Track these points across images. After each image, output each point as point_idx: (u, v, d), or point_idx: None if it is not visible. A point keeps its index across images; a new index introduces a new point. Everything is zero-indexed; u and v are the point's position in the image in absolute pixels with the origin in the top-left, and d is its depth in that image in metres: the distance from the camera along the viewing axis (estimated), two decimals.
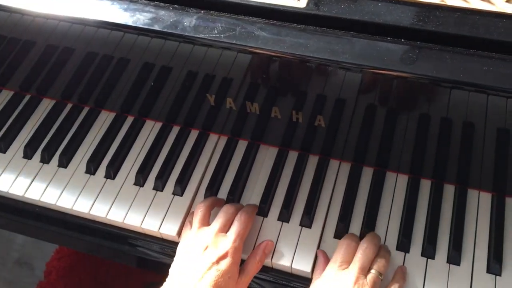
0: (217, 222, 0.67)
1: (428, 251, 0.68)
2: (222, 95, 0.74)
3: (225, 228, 0.66)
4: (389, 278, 0.65)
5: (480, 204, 0.72)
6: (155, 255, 0.76)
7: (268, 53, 0.63)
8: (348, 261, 0.63)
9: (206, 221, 0.68)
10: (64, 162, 0.80)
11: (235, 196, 0.75)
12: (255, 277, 0.70)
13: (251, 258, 0.68)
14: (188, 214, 0.74)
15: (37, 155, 0.82)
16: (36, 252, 1.54)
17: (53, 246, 1.50)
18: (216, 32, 0.64)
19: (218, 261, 0.62)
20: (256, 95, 0.72)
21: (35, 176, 0.79)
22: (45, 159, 0.81)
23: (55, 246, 1.49)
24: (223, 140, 0.82)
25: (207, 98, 0.76)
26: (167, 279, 0.64)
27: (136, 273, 1.37)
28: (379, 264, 0.63)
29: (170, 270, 0.65)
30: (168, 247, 0.74)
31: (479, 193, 0.73)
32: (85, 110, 0.87)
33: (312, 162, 0.78)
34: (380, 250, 0.65)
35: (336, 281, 0.61)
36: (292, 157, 0.79)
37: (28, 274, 1.51)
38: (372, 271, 0.62)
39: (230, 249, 0.64)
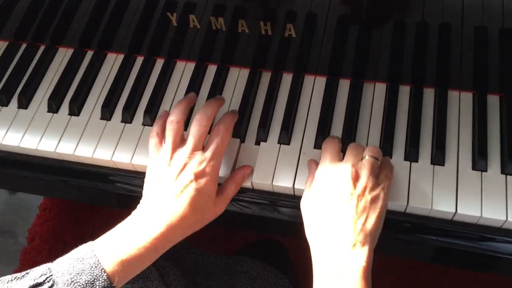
0: (192, 138, 0.63)
1: (411, 155, 0.66)
2: (185, 12, 0.69)
3: (200, 144, 0.63)
4: None
5: (461, 104, 0.70)
6: (138, 190, 0.72)
7: None
8: (337, 155, 0.61)
9: (180, 139, 0.64)
10: (23, 103, 0.75)
11: None
12: (242, 200, 0.68)
13: (229, 181, 0.66)
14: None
15: None
16: (17, 219, 1.50)
17: (34, 211, 1.46)
18: None
19: (196, 179, 0.60)
20: (219, 8, 0.68)
21: None
22: (3, 102, 0.76)
23: (36, 211, 1.46)
24: (191, 66, 0.77)
25: (169, 18, 0.71)
26: (141, 200, 0.61)
27: None
28: (373, 150, 0.60)
29: (144, 190, 0.63)
30: None
31: (459, 94, 0.71)
32: (41, 48, 0.81)
33: (286, 80, 0.75)
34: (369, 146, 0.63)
35: (330, 174, 0.59)
36: (265, 77, 0.75)
37: (12, 242, 1.48)
38: (366, 156, 0.59)
39: (208, 167, 0.61)
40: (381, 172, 0.60)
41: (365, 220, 0.55)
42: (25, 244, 1.40)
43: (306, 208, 0.60)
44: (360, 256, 0.54)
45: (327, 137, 0.65)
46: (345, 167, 0.58)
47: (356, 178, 0.57)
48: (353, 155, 0.60)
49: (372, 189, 0.57)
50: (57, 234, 1.40)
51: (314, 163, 0.64)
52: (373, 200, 0.56)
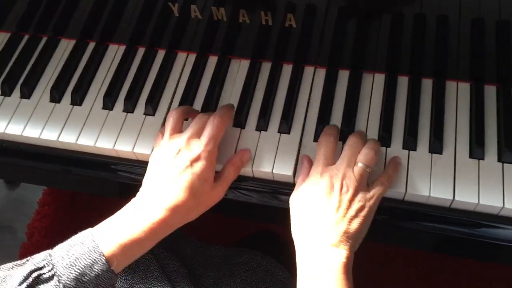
0: (190, 129, 0.64)
1: (410, 143, 0.67)
2: (186, 3, 0.70)
3: (198, 135, 0.64)
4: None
5: (459, 94, 0.71)
6: (140, 179, 0.73)
7: None
8: (331, 157, 0.62)
9: (179, 129, 0.66)
10: (26, 93, 0.76)
11: (209, 111, 0.72)
12: (243, 188, 0.69)
13: (228, 165, 0.66)
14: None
15: None
16: (17, 214, 1.50)
17: (33, 207, 1.46)
18: None
19: (191, 164, 0.61)
20: None
21: None
22: (6, 92, 0.76)
23: (35, 206, 1.46)
24: (192, 57, 0.78)
25: (170, 9, 0.72)
26: (140, 188, 0.62)
27: None
28: (366, 157, 0.61)
29: (144, 180, 0.63)
30: None
31: (457, 84, 0.72)
32: (43, 40, 0.82)
33: (287, 70, 0.75)
34: (369, 143, 0.63)
35: (321, 178, 0.59)
36: (266, 68, 0.76)
37: (10, 238, 1.48)
38: (359, 164, 0.60)
39: (203, 152, 0.62)
40: (378, 179, 0.61)
41: (348, 227, 0.57)
42: (24, 239, 1.40)
43: (295, 204, 0.61)
44: (341, 253, 0.55)
45: (322, 135, 0.65)
46: (335, 176, 0.59)
47: (344, 188, 0.58)
48: (346, 159, 0.60)
49: (360, 199, 0.58)
50: (56, 230, 1.40)
51: (306, 161, 0.65)
52: (359, 210, 0.58)
